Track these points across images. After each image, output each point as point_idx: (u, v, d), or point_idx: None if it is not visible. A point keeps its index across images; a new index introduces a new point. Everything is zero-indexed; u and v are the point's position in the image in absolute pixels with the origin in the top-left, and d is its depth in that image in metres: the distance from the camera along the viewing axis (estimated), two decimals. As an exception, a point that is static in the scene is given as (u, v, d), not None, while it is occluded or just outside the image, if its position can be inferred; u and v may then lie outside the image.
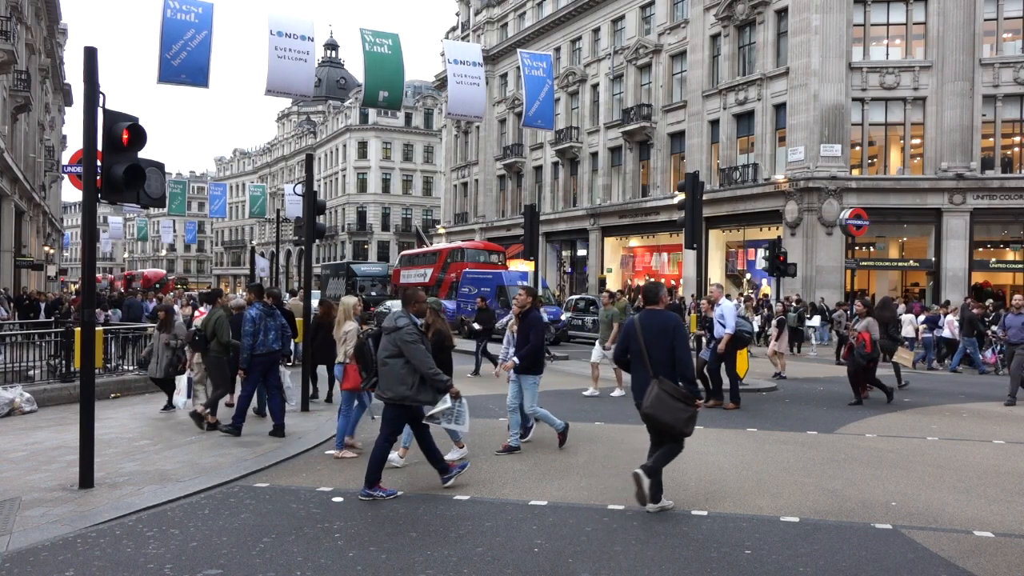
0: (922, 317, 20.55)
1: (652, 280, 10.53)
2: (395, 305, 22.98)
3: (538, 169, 42.69)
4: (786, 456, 8.17)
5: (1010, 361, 13.00)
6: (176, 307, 19.00)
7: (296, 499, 6.50)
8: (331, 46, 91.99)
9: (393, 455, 7.40)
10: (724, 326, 11.48)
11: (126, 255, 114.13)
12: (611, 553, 5.17)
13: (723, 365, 11.66)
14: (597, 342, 13.17)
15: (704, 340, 12.78)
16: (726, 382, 11.70)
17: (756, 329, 22.63)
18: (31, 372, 12.80)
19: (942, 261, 26.30)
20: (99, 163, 6.78)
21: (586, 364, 14.32)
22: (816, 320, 24.49)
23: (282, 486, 6.89)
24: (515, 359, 8.30)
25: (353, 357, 8.17)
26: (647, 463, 6.10)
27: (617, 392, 12.54)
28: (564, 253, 42.57)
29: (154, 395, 12.70)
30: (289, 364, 11.68)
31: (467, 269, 30.90)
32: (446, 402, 6.56)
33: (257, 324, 8.94)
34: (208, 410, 9.53)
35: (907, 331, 18.62)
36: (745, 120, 29.88)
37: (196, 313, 12.28)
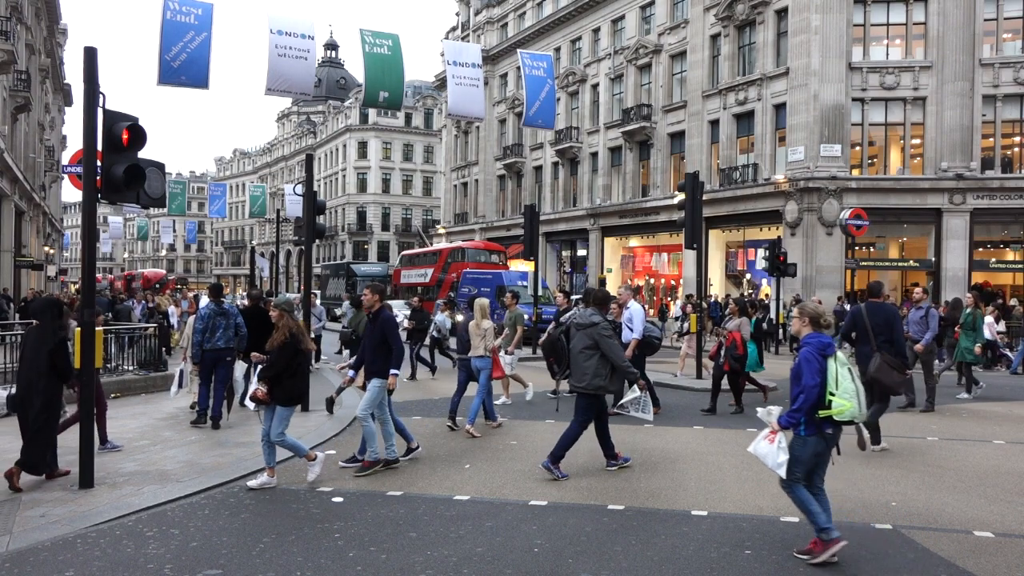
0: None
1: (876, 280, 10.38)
2: (395, 305, 22.98)
3: (538, 169, 42.68)
4: (786, 456, 8.16)
5: (913, 360, 11.61)
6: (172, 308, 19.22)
7: (296, 499, 6.51)
8: (331, 46, 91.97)
9: (262, 478, 6.87)
10: (632, 330, 10.70)
11: (126, 255, 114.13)
12: (611, 553, 5.17)
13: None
14: (503, 352, 11.17)
15: None
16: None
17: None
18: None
19: (942, 261, 26.28)
20: (99, 163, 6.78)
21: None
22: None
23: (282, 486, 6.89)
24: (395, 372, 7.44)
25: (494, 350, 9.61)
26: (868, 418, 7.84)
27: (503, 400, 11.53)
28: (564, 253, 42.55)
29: (152, 395, 12.73)
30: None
31: (467, 269, 30.88)
32: (635, 392, 7.01)
33: (206, 323, 9.54)
34: (338, 396, 10.62)
35: (986, 333, 18.47)
36: (745, 120, 29.86)
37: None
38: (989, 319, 18.85)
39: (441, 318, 17.02)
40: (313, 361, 15.23)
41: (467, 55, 14.71)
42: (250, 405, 7.64)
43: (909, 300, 23.11)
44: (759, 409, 5.37)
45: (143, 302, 20.90)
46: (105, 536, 5.53)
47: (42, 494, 6.57)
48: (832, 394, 4.94)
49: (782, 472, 5.05)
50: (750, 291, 29.50)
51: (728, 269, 32.73)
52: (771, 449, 5.07)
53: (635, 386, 7.25)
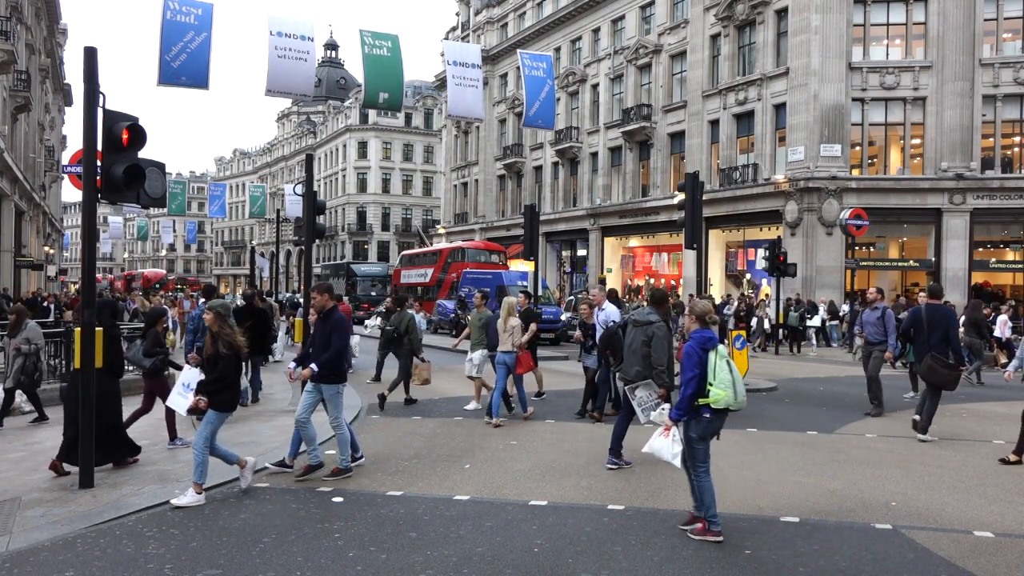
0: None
1: (936, 283, 11.11)
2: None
3: (538, 169, 42.68)
4: (786, 456, 8.17)
5: (867, 362, 11.26)
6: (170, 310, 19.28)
7: (296, 499, 6.51)
8: (331, 46, 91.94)
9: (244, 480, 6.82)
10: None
11: (126, 255, 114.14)
12: (611, 553, 5.17)
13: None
14: (475, 353, 11.30)
15: (585, 347, 10.94)
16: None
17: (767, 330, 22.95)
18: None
19: (942, 261, 26.28)
20: (99, 163, 6.78)
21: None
22: (816, 320, 24.53)
23: (282, 486, 6.89)
24: (313, 367, 7.10)
25: (521, 345, 10.38)
26: (921, 417, 9.23)
27: (472, 405, 11.36)
28: (564, 253, 42.55)
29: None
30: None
31: (467, 269, 30.85)
32: (654, 395, 7.04)
33: (197, 324, 9.88)
34: (389, 392, 11.27)
35: (998, 332, 18.40)
36: (745, 120, 29.86)
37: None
38: (1003, 317, 18.90)
39: (417, 319, 16.76)
40: None
41: (467, 55, 14.71)
42: (179, 410, 7.43)
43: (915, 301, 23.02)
44: (652, 414, 6.05)
45: (134, 302, 21.10)
46: (105, 536, 5.53)
47: (42, 494, 6.57)
48: (711, 384, 5.42)
49: (677, 462, 5.57)
50: (750, 291, 29.51)
51: (728, 269, 32.73)
52: (666, 443, 5.63)
53: (657, 393, 7.00)
